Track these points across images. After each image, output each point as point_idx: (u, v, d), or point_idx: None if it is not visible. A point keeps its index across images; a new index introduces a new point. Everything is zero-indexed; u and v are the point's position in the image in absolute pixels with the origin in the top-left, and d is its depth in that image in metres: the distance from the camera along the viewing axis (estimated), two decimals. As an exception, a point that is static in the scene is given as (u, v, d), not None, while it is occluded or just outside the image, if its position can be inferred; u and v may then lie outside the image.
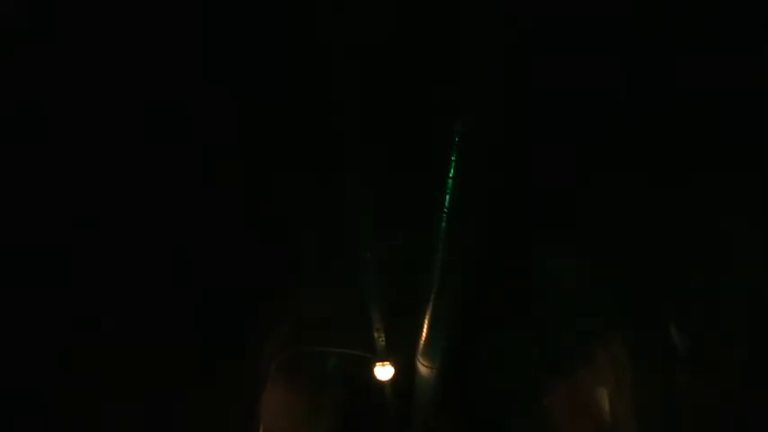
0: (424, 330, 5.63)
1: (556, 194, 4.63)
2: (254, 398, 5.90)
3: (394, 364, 6.25)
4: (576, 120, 3.80)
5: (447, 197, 3.85)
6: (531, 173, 4.51)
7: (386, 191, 4.47)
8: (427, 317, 5.43)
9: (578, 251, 5.20)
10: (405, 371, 6.51)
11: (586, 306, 5.57)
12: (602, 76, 3.33)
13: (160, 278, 3.83)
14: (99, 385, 3.33)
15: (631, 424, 5.08)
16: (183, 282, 4.04)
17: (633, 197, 4.33)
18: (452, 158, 3.46)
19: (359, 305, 5.53)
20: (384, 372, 6.22)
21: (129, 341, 3.56)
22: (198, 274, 4.16)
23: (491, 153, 3.72)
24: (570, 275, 5.55)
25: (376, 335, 5.97)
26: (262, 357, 6.11)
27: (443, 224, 4.09)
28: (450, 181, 3.67)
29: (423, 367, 6.18)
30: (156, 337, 3.77)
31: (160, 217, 3.62)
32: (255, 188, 4.23)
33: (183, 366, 4.13)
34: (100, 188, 3.11)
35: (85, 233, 3.08)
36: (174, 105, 3.16)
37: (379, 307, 5.50)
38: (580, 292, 5.56)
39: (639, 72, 3.28)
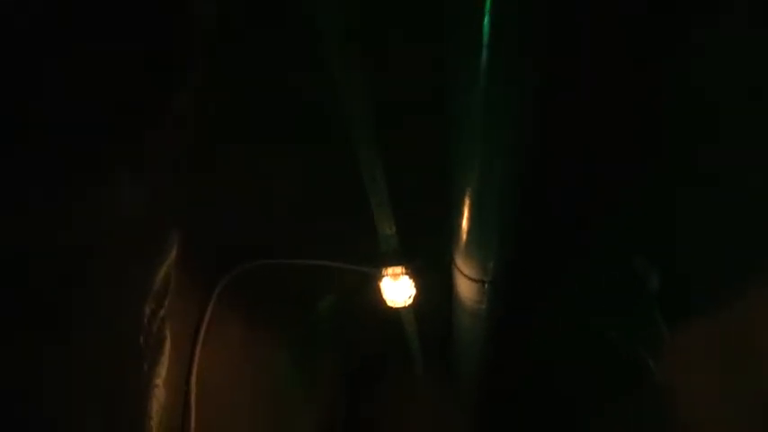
0: (465, 217, 2.97)
1: None
2: (182, 342, 3.40)
3: (414, 276, 3.56)
4: None
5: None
6: None
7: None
8: (469, 193, 2.77)
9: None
10: (433, 288, 3.82)
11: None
12: None
13: None
14: None
15: None
16: None
17: None
18: None
19: (353, 182, 2.89)
20: (397, 288, 3.54)
21: None
22: None
23: None
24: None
25: (383, 228, 3.31)
26: (199, 276, 3.55)
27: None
28: None
29: (465, 281, 3.50)
30: None
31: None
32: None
33: None
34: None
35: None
36: None
37: (388, 181, 2.86)
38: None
39: None
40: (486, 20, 1.83)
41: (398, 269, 3.39)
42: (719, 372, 3.64)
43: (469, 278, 3.41)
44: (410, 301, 3.67)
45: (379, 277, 3.49)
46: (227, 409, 3.99)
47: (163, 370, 3.08)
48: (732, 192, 3.21)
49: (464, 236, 3.04)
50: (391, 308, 3.68)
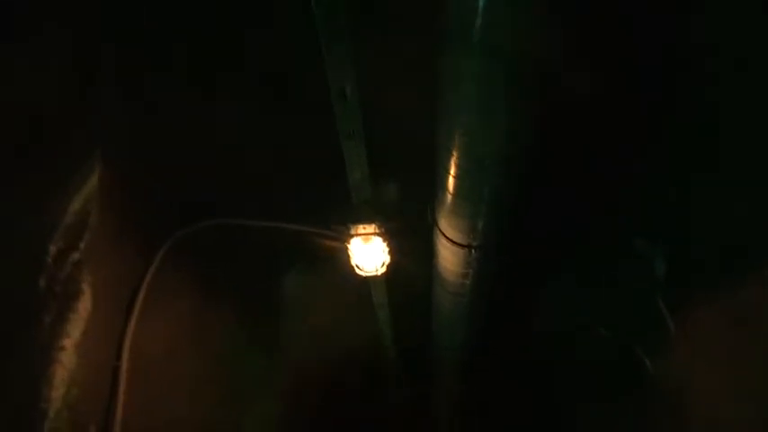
0: (452, 171, 2.47)
1: None
2: (116, 306, 2.82)
3: (388, 238, 3.02)
4: None
5: None
6: None
7: None
8: (457, 144, 2.29)
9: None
10: (412, 255, 3.29)
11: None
12: None
13: None
14: None
15: None
16: None
17: None
18: None
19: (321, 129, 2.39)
20: (368, 252, 3.00)
21: None
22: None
23: None
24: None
25: (353, 171, 2.78)
26: (143, 231, 3.03)
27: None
28: None
29: (449, 247, 2.98)
30: None
31: None
32: None
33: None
34: None
35: None
36: None
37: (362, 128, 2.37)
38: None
39: None
40: None
41: (370, 227, 2.84)
42: (726, 365, 3.24)
43: (454, 242, 2.90)
44: (383, 269, 3.13)
45: (347, 238, 2.95)
46: (167, 387, 3.43)
47: (75, 330, 2.52)
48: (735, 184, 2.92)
49: (451, 185, 2.52)
50: (360, 274, 3.13)
